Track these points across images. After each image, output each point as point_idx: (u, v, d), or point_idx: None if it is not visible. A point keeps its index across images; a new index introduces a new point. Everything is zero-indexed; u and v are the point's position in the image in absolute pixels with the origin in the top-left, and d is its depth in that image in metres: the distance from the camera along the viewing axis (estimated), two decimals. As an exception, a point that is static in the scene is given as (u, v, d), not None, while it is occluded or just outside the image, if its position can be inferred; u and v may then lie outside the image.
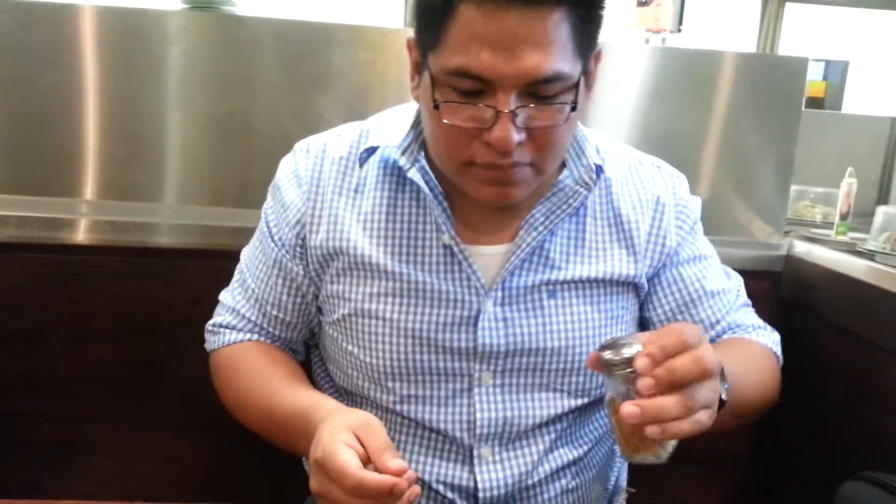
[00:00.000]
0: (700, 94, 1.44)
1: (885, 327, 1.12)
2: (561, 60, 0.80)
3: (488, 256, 0.94)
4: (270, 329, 1.03)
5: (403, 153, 0.93)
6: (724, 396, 0.78)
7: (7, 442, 1.31)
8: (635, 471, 1.11)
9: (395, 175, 0.96)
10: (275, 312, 1.02)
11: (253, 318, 1.03)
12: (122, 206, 1.32)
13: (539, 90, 0.80)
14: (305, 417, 0.85)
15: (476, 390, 0.94)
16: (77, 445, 1.32)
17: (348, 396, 1.02)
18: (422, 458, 0.96)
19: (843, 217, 1.49)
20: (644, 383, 0.71)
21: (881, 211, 1.36)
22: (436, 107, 0.83)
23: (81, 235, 1.29)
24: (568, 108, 0.82)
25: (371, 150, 0.96)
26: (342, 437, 0.76)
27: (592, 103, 1.39)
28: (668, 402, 0.71)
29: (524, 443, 0.96)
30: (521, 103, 0.80)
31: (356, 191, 0.97)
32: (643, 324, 1.04)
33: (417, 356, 0.94)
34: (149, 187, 1.34)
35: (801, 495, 0.81)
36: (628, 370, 0.73)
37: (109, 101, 1.31)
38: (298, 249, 0.98)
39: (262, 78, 1.34)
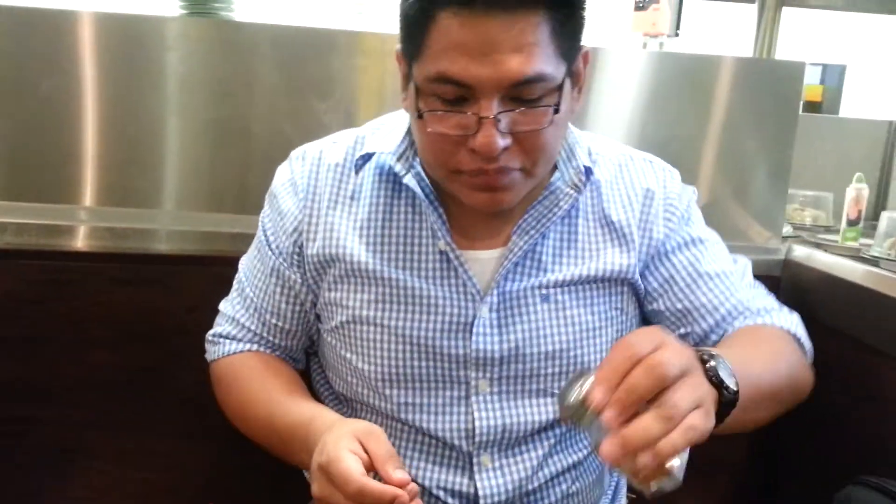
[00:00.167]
0: (697, 98, 1.45)
1: (886, 332, 1.12)
2: (541, 62, 0.80)
3: (482, 261, 0.94)
4: (270, 338, 1.03)
5: (399, 159, 0.94)
6: (731, 386, 0.73)
7: (6, 447, 1.31)
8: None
9: (390, 181, 0.96)
10: (274, 321, 1.02)
11: (252, 328, 1.03)
12: (121, 213, 1.32)
13: (521, 93, 0.81)
14: (305, 429, 0.85)
15: (473, 398, 0.94)
16: (76, 451, 1.31)
17: (347, 404, 1.02)
18: (422, 465, 0.96)
19: (852, 223, 1.46)
20: (608, 416, 0.64)
21: (886, 216, 1.34)
22: (420, 116, 0.84)
23: (80, 242, 1.29)
24: (552, 110, 0.82)
25: (367, 157, 0.96)
26: (346, 443, 0.76)
27: (590, 108, 1.42)
28: (645, 423, 0.64)
29: (523, 448, 0.96)
30: (503, 108, 0.80)
31: (352, 198, 0.97)
32: (649, 323, 1.03)
33: (414, 363, 0.94)
34: (147, 193, 1.34)
35: (800, 498, 0.81)
36: (590, 411, 0.66)
37: (108, 107, 1.31)
38: (296, 257, 0.98)
39: (260, 83, 1.34)
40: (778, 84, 1.44)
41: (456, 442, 0.95)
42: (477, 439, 0.94)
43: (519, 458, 0.96)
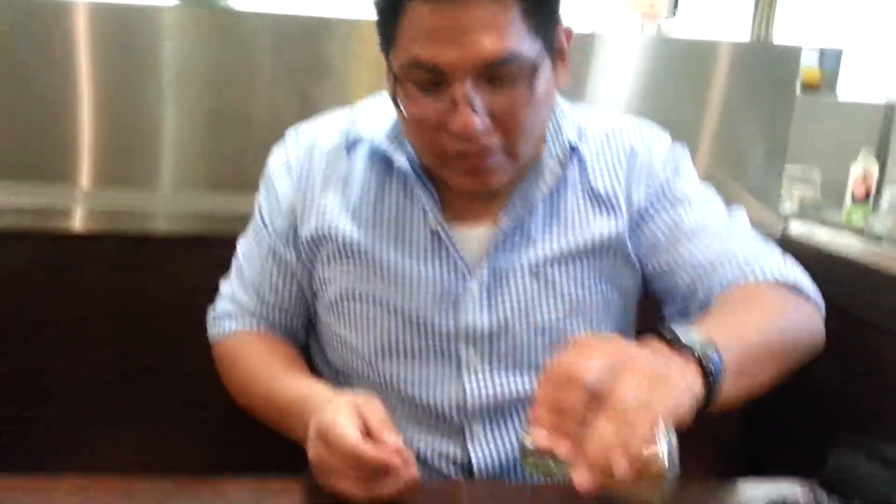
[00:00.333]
0: (695, 83, 1.45)
1: (883, 308, 1.13)
2: (513, 42, 0.81)
3: (473, 239, 0.96)
4: (269, 316, 1.05)
5: (390, 142, 0.96)
6: (711, 354, 0.69)
7: (7, 424, 1.32)
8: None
9: (382, 163, 0.98)
10: (272, 300, 1.04)
11: (251, 307, 1.05)
12: (119, 196, 1.32)
13: (495, 74, 0.82)
14: (301, 404, 0.87)
15: (465, 371, 0.96)
16: (74, 443, 1.32)
17: (343, 378, 1.03)
18: (416, 435, 0.98)
19: (858, 200, 1.45)
20: (560, 448, 0.60)
21: (888, 192, 1.34)
22: (399, 104, 0.86)
23: (77, 224, 1.30)
24: (528, 89, 0.83)
25: (359, 140, 0.98)
26: (344, 410, 0.78)
27: (587, 92, 1.42)
28: (598, 432, 0.59)
29: (516, 419, 0.98)
30: (477, 89, 0.82)
31: (344, 180, 0.99)
32: (649, 295, 1.03)
33: (405, 337, 0.96)
34: (144, 176, 1.34)
35: (793, 469, 0.81)
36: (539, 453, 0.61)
37: (105, 96, 1.32)
38: (291, 237, 1.01)
39: (258, 71, 1.34)
40: (775, 68, 1.45)
41: (448, 413, 0.97)
42: (469, 411, 0.96)
43: (512, 429, 0.98)
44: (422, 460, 0.98)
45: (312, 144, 1.01)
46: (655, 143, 1.01)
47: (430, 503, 0.80)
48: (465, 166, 0.88)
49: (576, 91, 1.38)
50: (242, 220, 1.09)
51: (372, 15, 0.89)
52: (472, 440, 0.97)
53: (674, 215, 0.98)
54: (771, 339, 0.82)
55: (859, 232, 1.33)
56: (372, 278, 0.97)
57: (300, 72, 1.35)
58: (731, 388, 0.72)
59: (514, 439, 0.98)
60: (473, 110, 0.82)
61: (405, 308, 0.96)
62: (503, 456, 0.97)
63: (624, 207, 0.98)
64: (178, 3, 1.48)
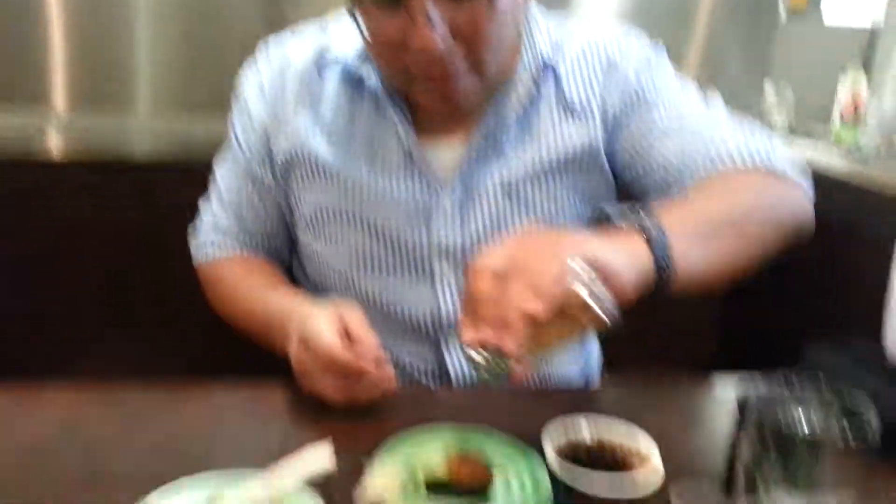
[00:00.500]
0: (680, 6, 1.44)
1: (856, 220, 1.14)
2: None
3: (446, 156, 0.95)
4: (250, 238, 1.06)
5: (361, 61, 0.95)
6: (645, 220, 0.70)
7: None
8: (612, 353, 1.15)
9: (354, 83, 0.97)
10: (253, 225, 1.05)
11: (232, 230, 1.06)
12: (95, 120, 1.31)
13: None
14: (284, 316, 0.88)
15: (438, 286, 0.97)
16: (63, 360, 1.33)
17: (323, 293, 1.04)
18: (394, 346, 0.99)
19: (849, 121, 1.43)
20: (485, 335, 0.61)
21: (873, 110, 1.33)
22: (359, 28, 0.85)
23: (55, 151, 1.28)
24: (487, 3, 0.82)
25: (330, 60, 0.97)
26: (325, 315, 0.79)
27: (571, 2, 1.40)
28: (508, 295, 0.60)
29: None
30: (435, 6, 0.80)
31: (317, 100, 0.98)
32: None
33: (378, 252, 0.97)
34: (120, 100, 1.32)
35: (765, 364, 0.84)
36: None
37: (77, 16, 1.28)
38: (267, 157, 1.01)
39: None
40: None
41: (424, 326, 0.98)
42: (444, 323, 0.98)
43: None
44: (400, 371, 0.98)
45: (285, 65, 1.00)
46: (633, 52, 0.99)
47: (408, 409, 0.81)
48: (435, 90, 0.87)
49: (561, 1, 1.36)
50: (221, 142, 1.08)
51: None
52: (448, 351, 0.99)
53: (647, 120, 0.95)
54: (733, 213, 0.80)
55: (846, 151, 1.34)
56: (346, 197, 0.97)
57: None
58: (689, 258, 0.71)
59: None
60: (433, 27, 0.80)
61: (379, 224, 0.96)
62: None
63: (598, 116, 0.96)
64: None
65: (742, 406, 0.62)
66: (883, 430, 0.51)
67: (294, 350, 0.80)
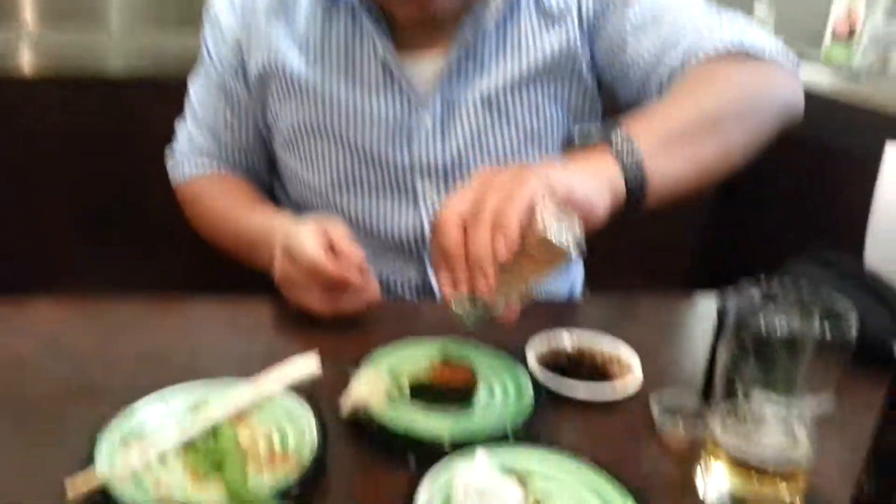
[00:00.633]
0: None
1: (843, 139, 1.14)
2: None
3: (424, 69, 0.93)
4: (228, 158, 1.04)
5: None
6: (620, 134, 0.68)
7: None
8: (593, 270, 1.16)
9: None
10: (229, 141, 1.03)
11: (210, 149, 1.04)
12: (66, 36, 1.26)
13: None
14: (267, 233, 0.87)
15: (422, 205, 0.96)
16: (43, 270, 1.32)
17: (304, 214, 1.03)
18: (377, 263, 0.99)
19: (841, 38, 1.39)
20: (464, 288, 0.59)
21: (868, 28, 1.31)
22: None
23: (26, 67, 1.24)
24: None
25: None
26: (308, 227, 0.79)
27: None
28: (473, 240, 0.58)
29: None
30: None
31: (290, 11, 0.95)
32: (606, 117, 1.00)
33: (359, 172, 0.96)
34: (92, 14, 1.28)
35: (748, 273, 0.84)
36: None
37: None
38: (240, 71, 0.98)
39: None
40: None
41: (407, 244, 0.98)
42: (427, 241, 0.97)
43: None
44: (384, 289, 0.99)
45: None
46: None
47: (392, 323, 0.82)
48: (410, 2, 0.84)
49: None
50: (194, 57, 1.05)
51: None
52: (432, 268, 0.98)
53: (622, 17, 0.91)
54: (711, 112, 0.76)
55: (836, 70, 1.32)
56: (323, 113, 0.94)
57: None
58: (663, 170, 0.69)
59: None
60: None
61: (358, 143, 0.94)
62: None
63: (575, 19, 0.94)
64: None
65: (721, 312, 0.62)
66: (860, 339, 0.51)
67: (279, 264, 0.80)
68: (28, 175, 1.28)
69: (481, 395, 0.65)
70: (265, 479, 0.54)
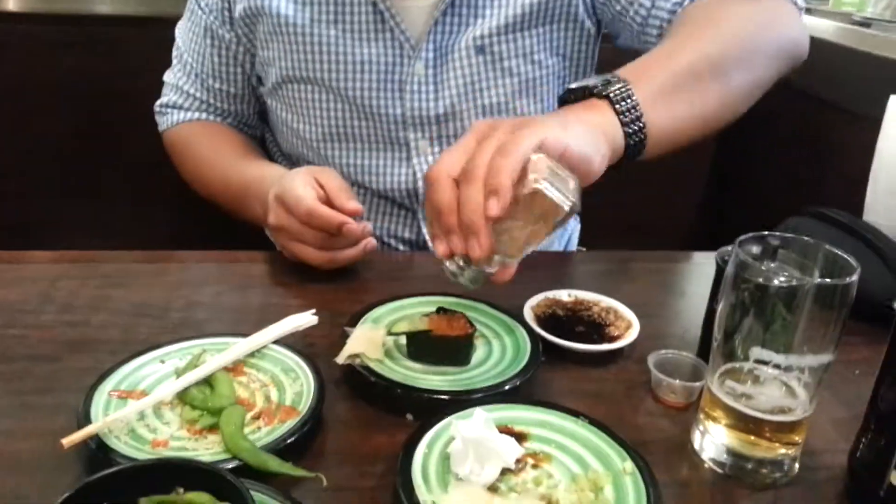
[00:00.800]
0: None
1: (846, 87, 1.12)
2: None
3: (415, 11, 0.90)
4: (217, 104, 1.02)
5: None
6: (614, 82, 0.66)
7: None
8: (591, 228, 1.15)
9: None
10: (216, 85, 1.00)
11: (197, 95, 1.01)
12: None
13: None
14: (259, 183, 0.86)
15: (415, 159, 0.95)
16: (30, 224, 1.31)
17: (296, 166, 1.02)
18: (370, 217, 0.99)
19: None
20: (457, 247, 0.57)
21: None
22: None
23: (12, 2, 1.21)
24: None
25: None
26: (302, 176, 0.77)
27: None
28: (464, 198, 0.56)
29: None
30: None
31: None
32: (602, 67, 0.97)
33: (352, 122, 0.94)
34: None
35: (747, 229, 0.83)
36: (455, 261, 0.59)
37: None
38: (227, 13, 0.96)
39: None
40: None
41: (400, 198, 0.97)
42: (420, 195, 0.96)
43: None
44: (378, 242, 0.99)
45: None
46: None
47: (388, 279, 0.81)
48: None
49: None
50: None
51: None
52: (425, 225, 0.98)
53: None
54: (710, 56, 0.73)
55: (845, 17, 1.28)
56: (312, 58, 0.92)
57: None
58: (662, 119, 0.67)
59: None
60: None
61: (349, 92, 0.92)
62: None
63: None
64: None
65: (721, 266, 0.62)
66: (859, 297, 0.50)
67: (272, 213, 0.78)
68: (11, 115, 1.25)
69: (479, 352, 0.65)
70: (262, 431, 0.54)
